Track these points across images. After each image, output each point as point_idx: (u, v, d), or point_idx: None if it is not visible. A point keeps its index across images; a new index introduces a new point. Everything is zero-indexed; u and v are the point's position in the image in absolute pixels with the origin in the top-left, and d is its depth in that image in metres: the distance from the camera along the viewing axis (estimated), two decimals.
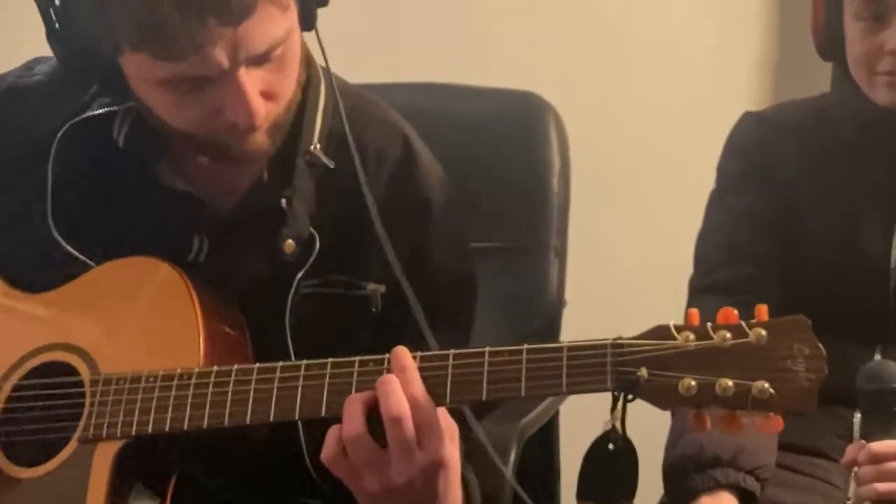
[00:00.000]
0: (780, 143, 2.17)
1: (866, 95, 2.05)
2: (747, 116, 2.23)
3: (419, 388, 1.46)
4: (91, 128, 1.72)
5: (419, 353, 1.50)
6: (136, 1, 1.49)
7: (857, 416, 1.94)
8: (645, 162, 3.23)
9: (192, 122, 1.61)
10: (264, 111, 1.59)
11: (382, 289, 1.74)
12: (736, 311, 1.39)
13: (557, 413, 2.23)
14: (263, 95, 1.60)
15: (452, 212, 1.84)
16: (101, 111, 1.72)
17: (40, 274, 1.73)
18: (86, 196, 1.73)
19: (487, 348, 1.46)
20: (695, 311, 1.41)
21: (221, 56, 1.52)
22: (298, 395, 1.52)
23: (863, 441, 1.77)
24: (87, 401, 1.61)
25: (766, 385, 1.35)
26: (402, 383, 1.46)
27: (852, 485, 1.79)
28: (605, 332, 1.59)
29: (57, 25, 1.58)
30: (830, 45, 2.08)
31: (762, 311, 1.39)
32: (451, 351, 1.49)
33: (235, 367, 1.56)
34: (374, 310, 1.75)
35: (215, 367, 1.56)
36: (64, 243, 1.70)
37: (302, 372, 1.53)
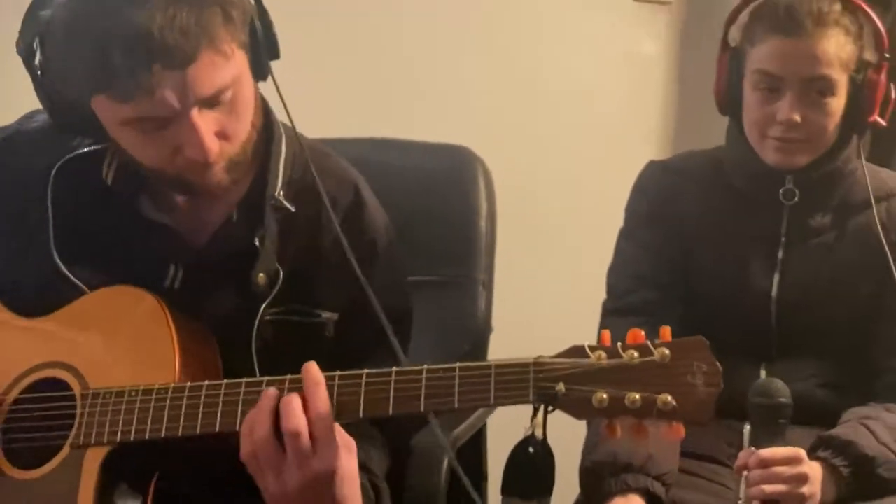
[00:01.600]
0: (680, 188, 2.20)
1: (755, 151, 2.09)
2: (651, 164, 2.26)
3: (323, 403, 1.48)
4: (82, 164, 1.73)
5: (366, 371, 1.51)
6: (89, 48, 1.50)
7: (747, 427, 2.01)
8: (562, 205, 3.29)
9: (158, 160, 1.62)
10: (217, 149, 1.60)
11: (335, 317, 1.76)
12: (643, 333, 1.41)
13: (485, 425, 2.24)
14: (218, 135, 1.60)
15: (394, 252, 1.86)
16: (87, 150, 1.74)
17: (41, 297, 1.72)
18: (79, 225, 1.73)
19: (425, 366, 1.48)
20: (606, 333, 1.42)
21: (171, 98, 1.53)
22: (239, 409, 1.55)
23: (752, 448, 1.82)
24: (78, 412, 1.62)
25: (670, 398, 1.37)
26: (310, 397, 1.48)
27: (743, 486, 1.85)
28: (527, 354, 1.62)
29: (40, 78, 1.60)
30: (729, 103, 2.12)
31: (665, 332, 1.42)
32: (394, 369, 1.50)
33: (206, 382, 1.57)
34: (327, 335, 1.76)
35: (189, 383, 1.57)
36: (64, 269, 1.70)
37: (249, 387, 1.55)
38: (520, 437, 1.50)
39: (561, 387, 1.40)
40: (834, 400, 2.07)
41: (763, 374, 2.07)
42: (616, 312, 2.18)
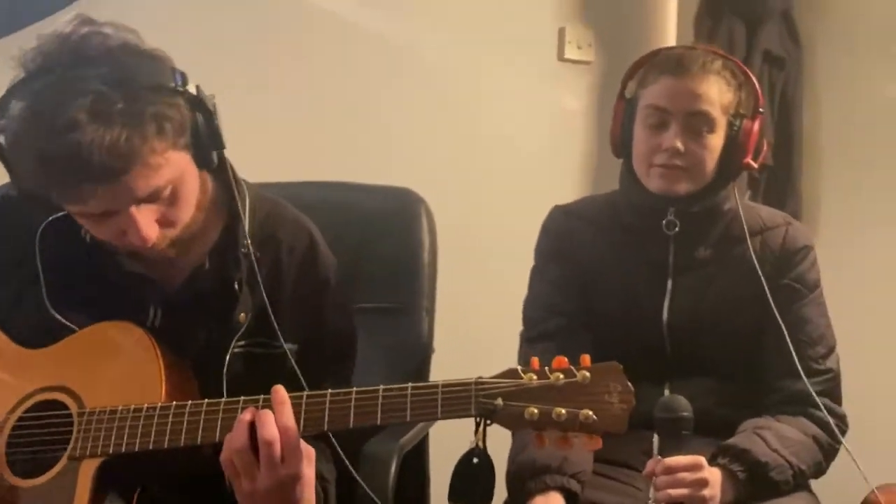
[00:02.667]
0: (580, 229, 2.23)
1: (644, 187, 2.11)
2: (556, 209, 2.29)
3: (289, 418, 1.52)
4: (64, 224, 1.73)
5: (330, 391, 1.55)
6: (31, 163, 1.52)
7: (655, 438, 2.02)
8: (495, 241, 3.29)
9: (108, 238, 1.64)
10: (156, 236, 1.61)
11: (295, 347, 1.77)
12: (566, 359, 1.47)
13: (428, 434, 2.26)
14: (159, 222, 1.61)
15: (342, 288, 1.89)
16: (64, 212, 1.71)
17: (37, 340, 1.74)
18: (66, 276, 1.74)
19: (381, 386, 1.52)
20: (536, 359, 1.48)
21: (104, 205, 1.55)
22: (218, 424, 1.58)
23: (659, 457, 1.86)
24: (76, 428, 1.64)
25: (590, 412, 1.43)
26: (277, 414, 1.52)
27: (652, 490, 1.87)
28: (464, 373, 1.63)
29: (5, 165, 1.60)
30: (622, 145, 2.16)
31: (586, 359, 1.48)
32: (354, 388, 1.54)
33: (189, 402, 1.60)
34: (288, 364, 1.75)
35: (174, 402, 1.61)
36: (58, 316, 1.72)
37: (238, 405, 1.58)
38: (458, 445, 1.54)
39: (499, 402, 1.45)
40: (730, 413, 2.08)
41: (667, 391, 2.09)
42: (531, 340, 2.20)
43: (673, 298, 2.14)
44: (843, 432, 2.10)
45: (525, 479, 1.95)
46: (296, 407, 1.54)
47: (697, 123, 2.06)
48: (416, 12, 3.31)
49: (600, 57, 3.60)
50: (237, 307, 1.74)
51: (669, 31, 3.70)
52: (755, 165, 2.12)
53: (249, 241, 1.75)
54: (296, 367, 1.72)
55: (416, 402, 1.51)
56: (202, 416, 1.59)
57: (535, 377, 1.46)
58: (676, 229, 2.12)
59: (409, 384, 1.51)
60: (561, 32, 3.55)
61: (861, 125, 3.40)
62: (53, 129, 1.49)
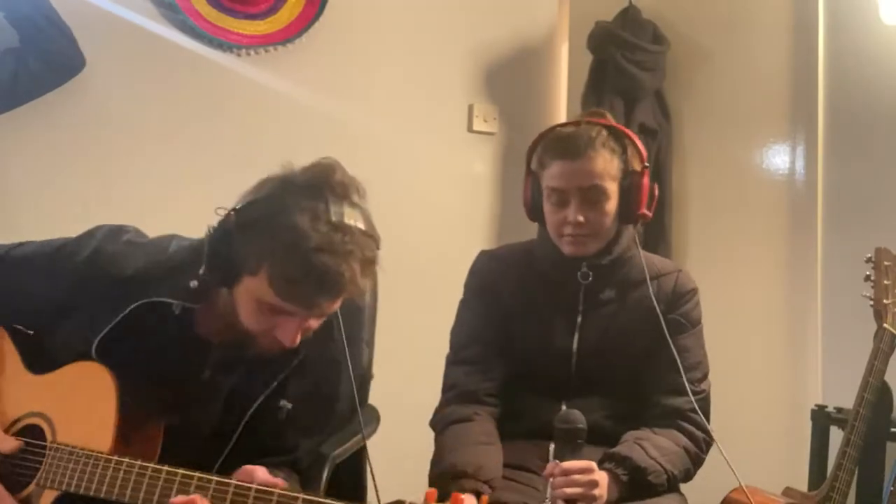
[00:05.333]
0: (502, 271, 2.26)
1: (559, 248, 2.17)
2: (482, 253, 2.33)
3: None
4: (159, 304, 1.78)
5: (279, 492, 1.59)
6: (301, 270, 1.62)
7: (552, 445, 2.01)
8: (418, 284, 3.34)
9: (255, 327, 1.73)
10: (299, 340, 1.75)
11: (290, 405, 1.85)
12: (463, 497, 1.42)
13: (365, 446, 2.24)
14: (302, 332, 1.74)
15: (347, 367, 1.92)
16: (159, 300, 1.77)
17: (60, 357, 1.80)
18: (139, 338, 1.78)
19: (302, 495, 1.56)
20: (432, 491, 1.43)
21: (314, 313, 1.71)
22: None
23: (556, 461, 1.90)
24: (46, 460, 1.74)
25: None
26: None
27: (549, 490, 1.90)
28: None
29: (231, 237, 1.66)
30: (534, 212, 2.21)
31: (484, 499, 1.56)
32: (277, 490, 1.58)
33: (138, 462, 1.65)
34: (280, 417, 1.84)
35: (126, 459, 1.66)
36: (95, 354, 1.77)
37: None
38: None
39: None
40: (616, 426, 2.13)
41: (564, 406, 2.10)
42: (455, 363, 2.24)
43: (581, 333, 2.18)
44: (709, 444, 2.17)
45: (445, 481, 1.97)
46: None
47: (592, 196, 2.10)
48: (351, 93, 3.43)
49: (503, 129, 3.72)
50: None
51: (561, 108, 3.82)
52: (650, 214, 2.16)
53: None
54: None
55: None
56: (146, 479, 1.64)
57: None
58: (589, 279, 2.18)
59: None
60: (470, 108, 3.67)
61: (719, 184, 3.49)
62: (328, 257, 1.63)
